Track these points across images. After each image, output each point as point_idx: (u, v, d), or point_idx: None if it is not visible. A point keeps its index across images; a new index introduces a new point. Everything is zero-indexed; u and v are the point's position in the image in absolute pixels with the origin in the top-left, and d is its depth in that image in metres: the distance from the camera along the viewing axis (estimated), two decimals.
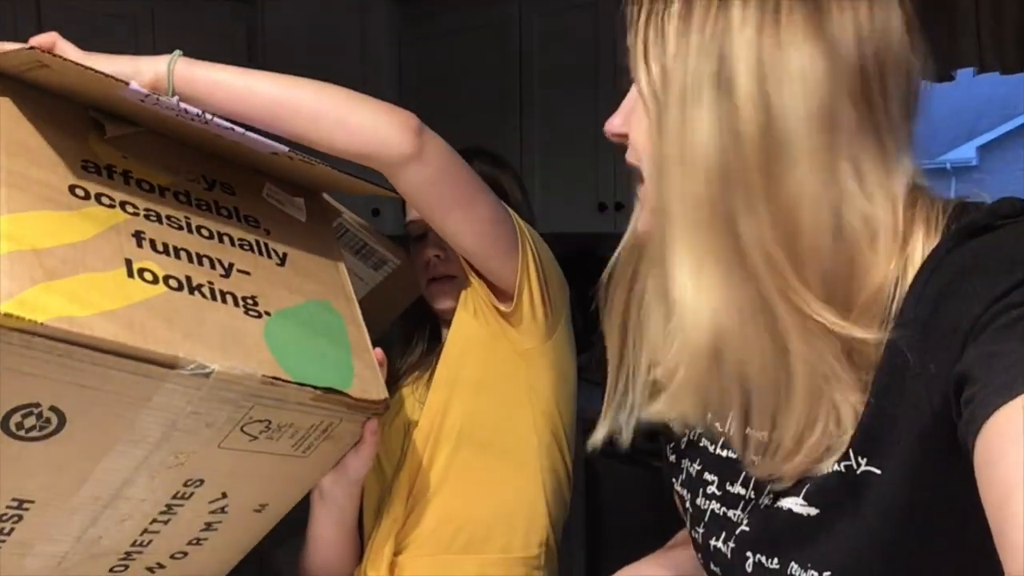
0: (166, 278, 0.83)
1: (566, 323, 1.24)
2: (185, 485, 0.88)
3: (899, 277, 0.60)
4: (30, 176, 0.82)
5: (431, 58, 3.31)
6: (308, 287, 0.99)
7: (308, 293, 0.99)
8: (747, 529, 0.72)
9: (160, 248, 0.86)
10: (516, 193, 1.35)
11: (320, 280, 1.02)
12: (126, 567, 0.93)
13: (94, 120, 0.94)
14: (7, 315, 0.67)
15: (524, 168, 2.97)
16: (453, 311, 1.22)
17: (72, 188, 0.85)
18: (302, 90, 0.98)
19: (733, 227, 0.60)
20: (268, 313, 0.90)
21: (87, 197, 0.85)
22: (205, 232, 0.93)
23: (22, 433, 0.74)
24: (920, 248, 0.60)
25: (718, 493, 0.76)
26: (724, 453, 0.76)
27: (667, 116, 0.62)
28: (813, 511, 0.66)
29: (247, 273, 0.93)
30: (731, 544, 0.74)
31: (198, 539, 0.96)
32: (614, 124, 0.72)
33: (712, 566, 0.78)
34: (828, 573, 0.65)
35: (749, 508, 0.72)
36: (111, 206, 0.86)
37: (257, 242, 0.98)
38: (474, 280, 1.17)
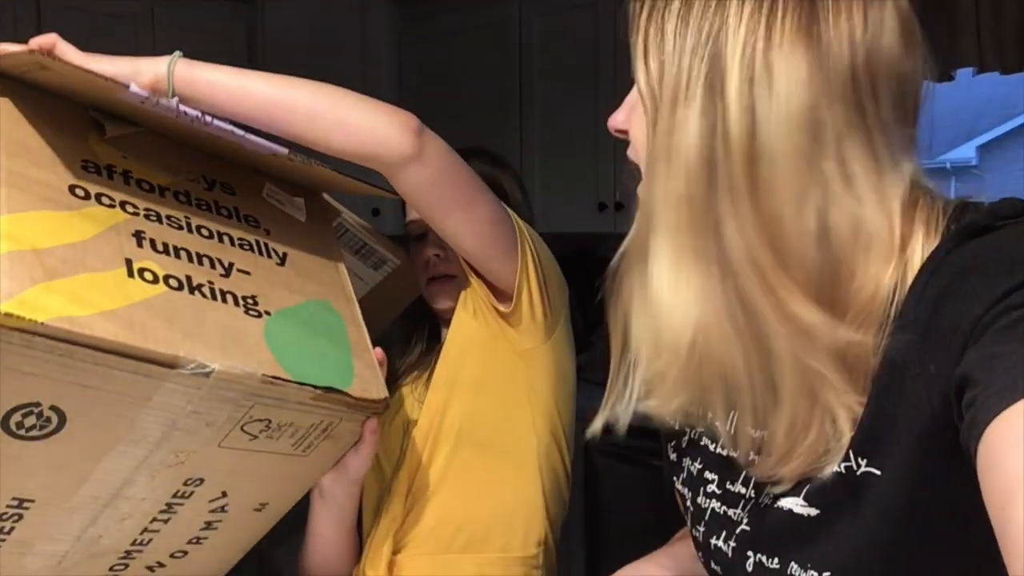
0: (166, 278, 0.84)
1: (565, 323, 1.24)
2: (185, 484, 0.88)
3: (899, 279, 0.60)
4: (30, 176, 0.82)
5: (431, 58, 3.31)
6: (308, 287, 0.99)
7: (308, 293, 0.99)
8: (747, 528, 0.72)
9: (160, 248, 0.86)
10: (516, 193, 1.36)
11: (320, 280, 1.03)
12: (126, 566, 0.94)
13: (94, 120, 0.94)
14: (8, 315, 0.67)
15: (524, 168, 2.98)
16: (452, 311, 1.23)
17: (72, 188, 0.85)
18: (301, 91, 0.98)
19: (716, 228, 0.61)
20: (268, 313, 0.91)
21: (87, 197, 0.85)
22: (205, 232, 0.93)
23: (22, 432, 0.74)
24: (920, 249, 0.60)
25: (718, 492, 0.76)
26: (725, 452, 0.76)
27: (660, 114, 0.63)
28: (813, 511, 0.66)
29: (247, 273, 0.93)
30: (732, 543, 0.74)
31: (198, 538, 0.96)
32: (616, 120, 0.73)
33: (713, 565, 0.78)
34: (828, 574, 0.65)
35: (749, 507, 0.72)
36: (111, 206, 0.87)
37: (257, 242, 0.99)
38: (473, 280, 1.17)
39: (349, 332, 0.99)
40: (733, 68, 0.59)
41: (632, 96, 0.71)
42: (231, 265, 0.92)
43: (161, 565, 0.96)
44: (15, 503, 0.80)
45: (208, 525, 0.95)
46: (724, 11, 0.61)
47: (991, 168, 11.72)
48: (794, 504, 0.67)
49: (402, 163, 0.99)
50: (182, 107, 0.93)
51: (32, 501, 0.81)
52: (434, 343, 1.36)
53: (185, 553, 0.97)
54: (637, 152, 0.70)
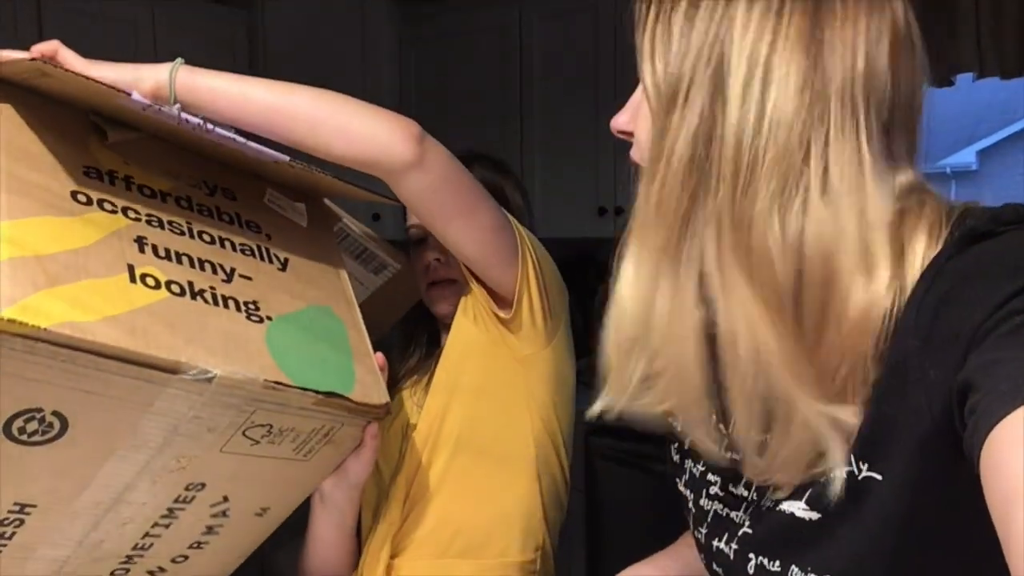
0: (168, 283, 0.84)
1: (566, 329, 1.24)
2: (187, 489, 0.88)
3: (898, 286, 0.60)
4: (32, 182, 0.82)
5: (431, 60, 3.32)
6: (309, 292, 1.00)
7: (309, 298, 0.99)
8: (749, 531, 0.73)
9: (162, 253, 0.87)
10: (517, 199, 1.36)
11: (321, 285, 1.03)
12: (127, 570, 0.94)
13: (95, 125, 0.94)
14: (10, 321, 0.67)
15: (524, 172, 2.98)
16: (453, 316, 1.23)
17: (74, 194, 0.85)
18: (302, 97, 0.98)
19: (691, 231, 0.62)
20: (270, 318, 0.91)
21: (89, 203, 0.85)
22: (207, 237, 0.94)
23: (24, 438, 0.74)
24: (921, 255, 0.60)
25: (721, 494, 0.76)
26: (728, 455, 0.76)
27: (663, 115, 0.63)
28: (815, 515, 0.66)
29: (249, 278, 0.93)
30: (733, 545, 0.74)
31: (199, 543, 0.96)
32: (620, 121, 0.73)
33: (714, 567, 0.78)
34: None
35: (751, 510, 0.73)
36: (113, 212, 0.87)
37: (258, 247, 0.99)
38: (474, 287, 1.17)
39: (350, 337, 0.99)
40: (737, 71, 0.60)
41: (636, 97, 0.71)
42: (233, 271, 0.92)
43: (162, 570, 0.97)
44: (17, 508, 0.80)
45: (209, 530, 0.95)
46: (731, 14, 0.61)
47: (991, 173, 11.72)
48: (796, 508, 0.67)
49: (403, 170, 0.99)
50: (183, 114, 0.93)
51: (34, 506, 0.81)
52: (434, 348, 1.36)
53: (186, 558, 0.97)
54: (641, 153, 0.70)
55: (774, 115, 0.59)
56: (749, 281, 0.61)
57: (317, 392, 0.87)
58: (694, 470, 0.81)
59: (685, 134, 0.62)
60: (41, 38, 0.96)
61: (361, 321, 1.03)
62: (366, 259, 1.30)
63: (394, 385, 1.31)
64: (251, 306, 0.90)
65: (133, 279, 0.81)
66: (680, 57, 0.63)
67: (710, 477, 0.78)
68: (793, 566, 0.68)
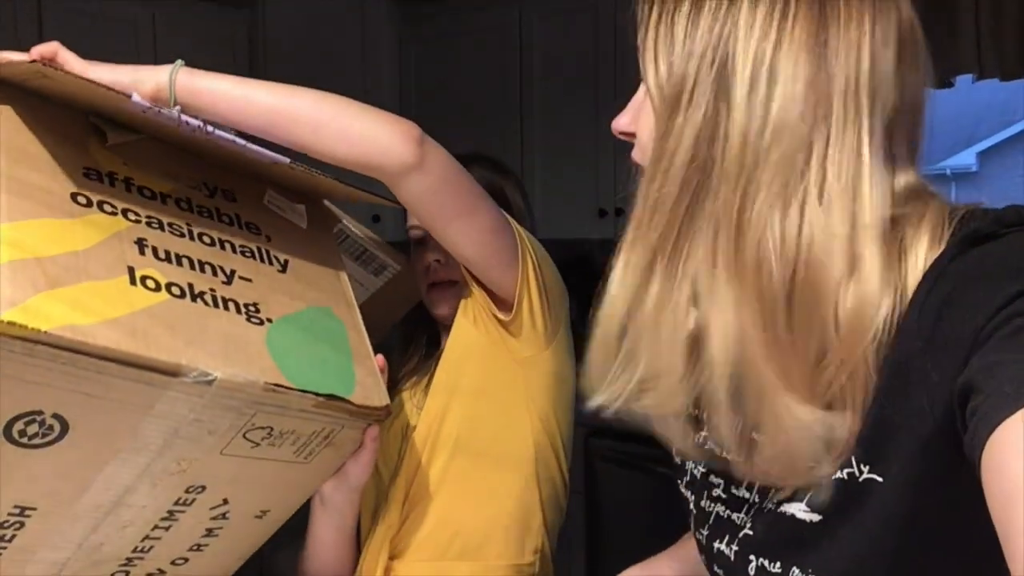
0: (168, 285, 0.84)
1: (566, 330, 1.24)
2: (187, 492, 0.88)
3: (899, 288, 0.60)
4: (32, 183, 0.82)
5: (431, 60, 3.32)
6: (309, 294, 1.00)
7: (309, 300, 0.99)
8: (751, 533, 0.73)
9: (162, 255, 0.87)
10: (518, 200, 1.36)
11: (321, 287, 1.03)
12: (127, 573, 0.93)
13: (95, 127, 0.94)
14: (10, 323, 0.67)
15: (524, 173, 2.98)
16: (453, 317, 1.23)
17: (74, 196, 0.85)
18: (303, 100, 0.98)
19: (687, 232, 0.63)
20: (270, 320, 0.91)
21: (89, 204, 0.85)
22: (207, 239, 0.93)
23: (25, 441, 0.74)
24: (923, 257, 0.60)
25: (723, 496, 0.76)
26: (708, 452, 0.76)
27: (666, 116, 0.63)
28: (816, 517, 0.66)
29: (249, 280, 0.93)
30: (735, 547, 0.74)
31: (199, 545, 0.96)
32: (621, 123, 0.73)
33: (716, 568, 0.78)
34: None
35: (753, 512, 0.73)
36: (113, 213, 0.87)
37: (258, 249, 0.99)
38: (474, 289, 1.17)
39: (350, 339, 0.99)
40: (742, 71, 0.60)
41: (638, 97, 0.71)
42: (233, 272, 0.92)
43: (162, 572, 0.96)
44: (17, 511, 0.80)
45: (209, 532, 0.95)
46: (735, 14, 0.61)
47: (991, 174, 11.72)
48: (797, 509, 0.67)
49: (403, 172, 0.99)
50: (183, 117, 0.93)
51: (34, 509, 0.81)
52: (433, 349, 1.36)
53: (186, 560, 0.97)
54: (644, 154, 0.70)
55: (779, 116, 0.59)
56: (742, 283, 0.61)
57: (317, 394, 0.87)
58: (695, 472, 0.81)
59: (689, 135, 0.62)
60: (41, 38, 0.96)
61: (361, 322, 1.03)
62: (366, 260, 1.30)
63: (394, 386, 1.31)
64: (251, 308, 0.90)
65: (133, 281, 0.81)
66: (683, 58, 0.63)
67: (713, 479, 0.78)
68: (794, 568, 0.68)
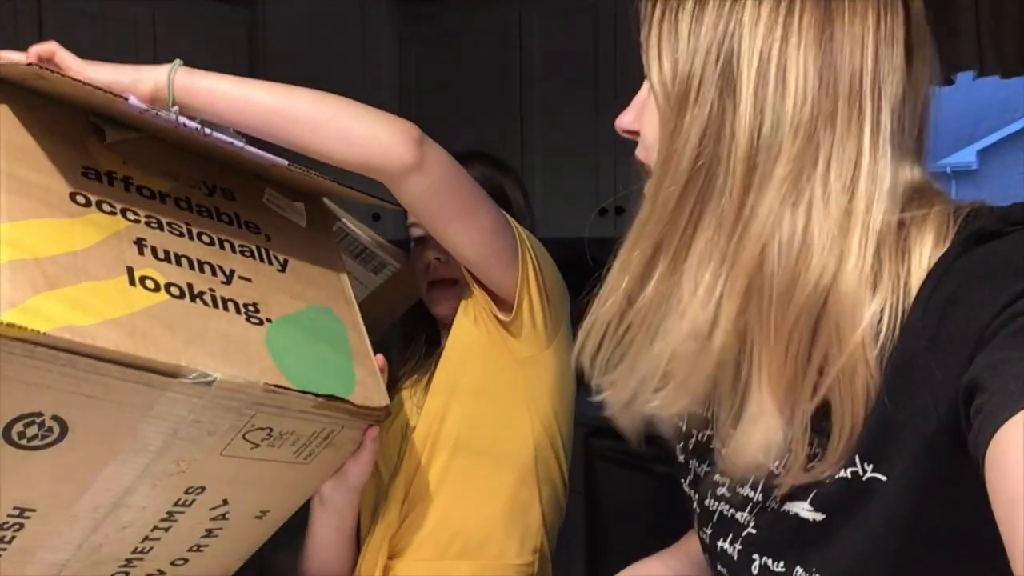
0: (168, 286, 0.83)
1: (566, 330, 1.24)
2: (186, 493, 0.88)
3: (901, 286, 0.60)
4: (31, 183, 0.82)
5: (431, 60, 3.31)
6: (309, 293, 0.99)
7: (309, 299, 0.98)
8: (754, 531, 0.72)
9: (161, 255, 0.86)
10: (518, 198, 1.36)
11: (321, 286, 1.02)
12: (127, 574, 0.93)
13: (94, 125, 0.94)
14: (9, 325, 0.67)
15: (524, 172, 2.97)
16: (453, 315, 1.22)
17: (73, 195, 0.84)
18: (302, 100, 0.98)
19: (692, 229, 0.63)
20: (269, 320, 0.90)
21: (88, 204, 0.85)
22: (206, 239, 0.93)
23: (24, 442, 0.74)
24: (928, 255, 0.60)
25: (727, 495, 0.76)
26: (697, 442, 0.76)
27: (673, 114, 0.63)
28: (819, 516, 0.66)
29: (248, 280, 0.93)
30: (738, 546, 0.74)
31: (199, 546, 0.96)
32: (625, 120, 0.72)
33: (719, 567, 0.78)
34: None
35: (757, 510, 0.72)
36: (112, 213, 0.86)
37: (258, 248, 0.98)
38: (475, 289, 1.17)
39: (350, 338, 0.99)
40: (748, 68, 0.60)
41: (642, 95, 0.71)
42: (232, 272, 0.92)
43: (162, 573, 0.96)
44: (16, 512, 0.80)
45: (209, 533, 0.95)
46: (740, 10, 0.61)
47: (991, 172, 11.72)
48: (801, 508, 0.67)
49: (403, 173, 0.98)
50: (181, 118, 0.92)
51: (33, 510, 0.80)
52: (433, 347, 1.36)
53: (186, 560, 0.97)
54: (648, 152, 0.70)
55: (790, 113, 0.59)
56: (744, 279, 0.60)
57: (317, 395, 0.87)
58: (699, 470, 0.81)
59: (695, 133, 0.62)
60: (41, 38, 0.96)
61: (361, 322, 1.03)
62: (365, 259, 1.30)
63: (393, 385, 1.31)
64: (251, 308, 0.90)
65: (132, 281, 0.81)
66: (688, 55, 0.62)
67: (718, 478, 0.77)
68: (797, 567, 0.67)
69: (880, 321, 0.60)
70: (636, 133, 0.72)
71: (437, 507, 1.20)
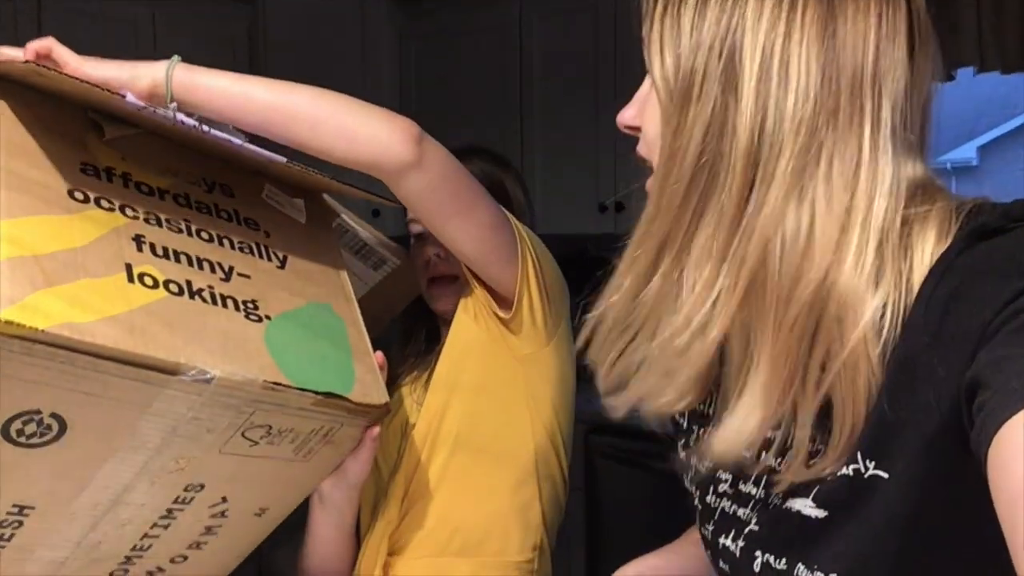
0: (166, 283, 0.83)
1: (566, 327, 1.24)
2: (186, 490, 0.88)
3: (903, 283, 0.60)
4: (30, 179, 0.82)
5: (431, 58, 3.31)
6: (308, 290, 0.99)
7: (308, 296, 0.98)
8: (756, 528, 0.72)
9: (160, 252, 0.86)
10: (518, 194, 1.35)
11: (320, 283, 1.02)
12: (126, 571, 0.93)
13: (93, 121, 0.93)
14: (8, 322, 0.67)
15: (524, 169, 2.97)
16: (452, 312, 1.22)
17: (71, 192, 0.84)
18: (301, 97, 0.97)
19: (694, 225, 0.63)
20: (268, 317, 0.90)
21: (86, 201, 0.85)
22: (205, 235, 0.93)
23: (23, 440, 0.74)
24: (931, 251, 0.60)
25: (730, 491, 0.76)
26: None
27: (676, 110, 0.63)
28: (821, 513, 0.65)
29: (247, 277, 0.93)
30: (740, 543, 0.74)
31: (198, 543, 0.96)
32: (626, 116, 0.72)
33: (720, 563, 0.78)
34: (834, 575, 0.65)
35: (759, 507, 0.72)
36: (111, 209, 0.86)
37: (257, 245, 0.98)
38: (475, 286, 1.17)
39: (350, 335, 0.99)
40: (751, 63, 0.60)
41: (643, 90, 0.71)
42: (231, 269, 0.92)
43: (161, 570, 0.96)
44: (15, 510, 0.80)
45: (208, 530, 0.95)
46: (743, 5, 0.61)
47: (991, 168, 11.70)
48: (803, 505, 0.67)
49: (402, 170, 0.98)
50: (179, 116, 0.92)
51: (32, 508, 0.80)
52: (433, 344, 1.36)
53: (185, 558, 0.97)
54: (649, 148, 0.70)
55: (788, 109, 0.59)
56: (748, 278, 0.60)
57: (316, 393, 0.87)
58: (700, 467, 0.80)
59: (699, 129, 0.61)
60: (40, 37, 0.96)
61: (361, 319, 1.03)
62: (365, 255, 1.30)
63: (393, 382, 1.31)
64: (250, 305, 0.89)
65: (131, 278, 0.81)
66: (691, 50, 0.62)
67: (720, 475, 0.77)
68: (799, 564, 0.67)
69: (882, 318, 0.59)
70: (637, 129, 0.72)
71: (437, 504, 1.20)
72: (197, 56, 0.99)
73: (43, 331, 0.69)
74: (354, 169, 0.99)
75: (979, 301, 0.54)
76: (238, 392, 0.81)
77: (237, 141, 0.96)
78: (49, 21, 2.51)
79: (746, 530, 0.73)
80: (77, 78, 0.87)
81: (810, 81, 0.59)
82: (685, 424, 0.82)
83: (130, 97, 0.88)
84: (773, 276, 0.60)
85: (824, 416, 0.62)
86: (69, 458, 0.77)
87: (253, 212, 1.02)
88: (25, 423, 0.73)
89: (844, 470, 0.63)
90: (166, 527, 0.90)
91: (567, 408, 1.26)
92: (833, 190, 0.59)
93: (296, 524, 1.13)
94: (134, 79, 0.93)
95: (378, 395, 0.95)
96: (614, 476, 2.58)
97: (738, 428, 0.63)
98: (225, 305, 0.87)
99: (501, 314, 1.16)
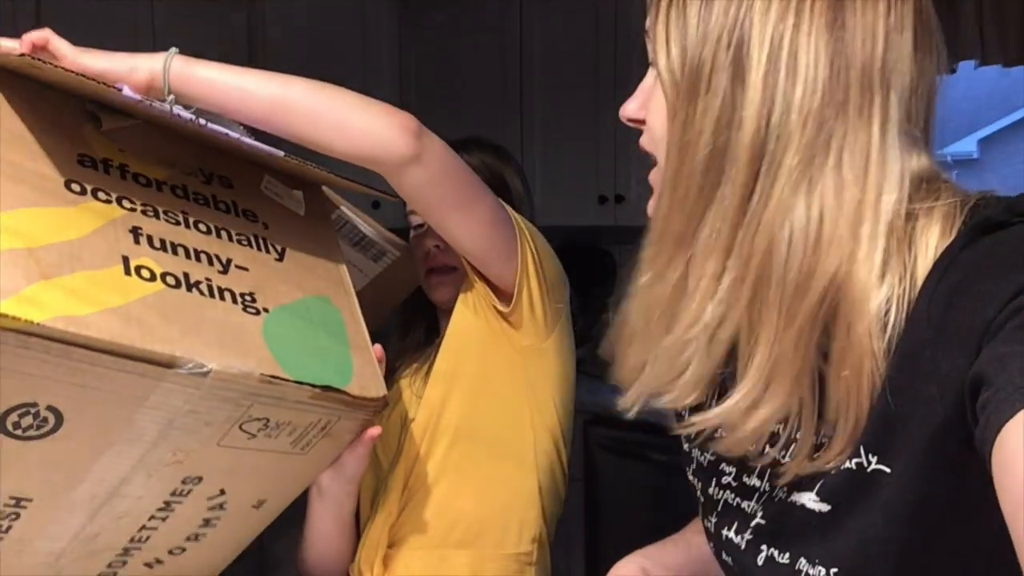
0: (164, 275, 0.83)
1: (566, 319, 1.24)
2: (183, 483, 0.88)
3: (908, 276, 0.59)
4: (26, 171, 0.81)
5: (431, 54, 3.30)
6: (307, 282, 0.99)
7: (307, 288, 0.98)
8: (762, 522, 0.72)
9: (157, 244, 0.86)
10: (518, 185, 1.35)
11: (319, 275, 1.02)
12: (124, 563, 0.93)
13: (90, 112, 0.93)
14: (3, 315, 0.67)
15: (524, 161, 2.97)
16: (452, 303, 1.22)
17: (68, 183, 0.84)
18: (299, 91, 0.97)
19: (708, 218, 0.62)
20: (266, 310, 0.90)
21: (84, 192, 0.84)
22: (203, 227, 0.93)
23: (19, 432, 0.73)
24: (935, 245, 0.59)
25: (734, 484, 0.76)
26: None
27: (684, 103, 0.63)
28: (825, 507, 0.65)
29: (245, 269, 0.92)
30: (747, 536, 0.73)
31: (196, 535, 0.96)
32: (629, 109, 0.72)
33: (724, 556, 0.78)
34: (836, 570, 0.65)
35: (763, 500, 0.72)
36: (108, 201, 0.86)
37: (255, 237, 0.98)
38: (474, 280, 1.17)
39: (348, 328, 0.99)
40: (758, 54, 0.59)
41: (647, 83, 0.70)
42: (229, 261, 0.91)
43: (159, 562, 0.96)
44: (13, 502, 0.80)
45: (206, 522, 0.95)
46: None
47: (992, 161, 11.69)
48: (807, 499, 0.67)
49: (402, 165, 0.98)
50: (176, 108, 0.92)
51: (30, 500, 0.80)
52: (432, 335, 1.36)
53: (183, 550, 0.97)
54: (654, 140, 0.69)
55: (797, 100, 0.59)
56: (755, 272, 0.60)
57: (314, 386, 0.86)
58: (702, 459, 0.80)
59: (709, 122, 0.61)
60: None
61: (359, 312, 1.03)
62: (364, 246, 1.30)
63: (392, 373, 1.31)
64: (247, 298, 0.89)
65: (128, 271, 0.80)
66: (698, 42, 0.62)
67: (725, 467, 0.77)
68: (802, 558, 0.67)
69: (887, 312, 0.59)
70: (641, 122, 0.71)
71: (437, 496, 1.20)
72: (196, 54, 0.98)
73: (39, 324, 0.68)
74: (354, 163, 0.99)
75: (982, 296, 0.54)
76: (235, 385, 0.81)
77: (235, 134, 0.95)
78: (49, 21, 2.50)
79: (752, 523, 0.73)
80: (73, 71, 0.86)
81: (819, 73, 0.59)
82: (688, 417, 0.82)
83: (126, 91, 0.88)
84: (780, 269, 0.60)
85: (828, 409, 0.62)
86: (66, 451, 0.77)
87: (252, 204, 1.02)
88: (21, 416, 0.72)
89: (847, 464, 0.63)
90: (164, 519, 0.90)
91: (567, 401, 1.26)
92: (844, 183, 0.59)
93: (295, 516, 1.13)
94: (132, 71, 0.93)
95: (376, 388, 0.94)
96: (613, 467, 2.58)
97: (744, 421, 0.63)
98: (223, 297, 0.87)
99: (501, 308, 1.15)
